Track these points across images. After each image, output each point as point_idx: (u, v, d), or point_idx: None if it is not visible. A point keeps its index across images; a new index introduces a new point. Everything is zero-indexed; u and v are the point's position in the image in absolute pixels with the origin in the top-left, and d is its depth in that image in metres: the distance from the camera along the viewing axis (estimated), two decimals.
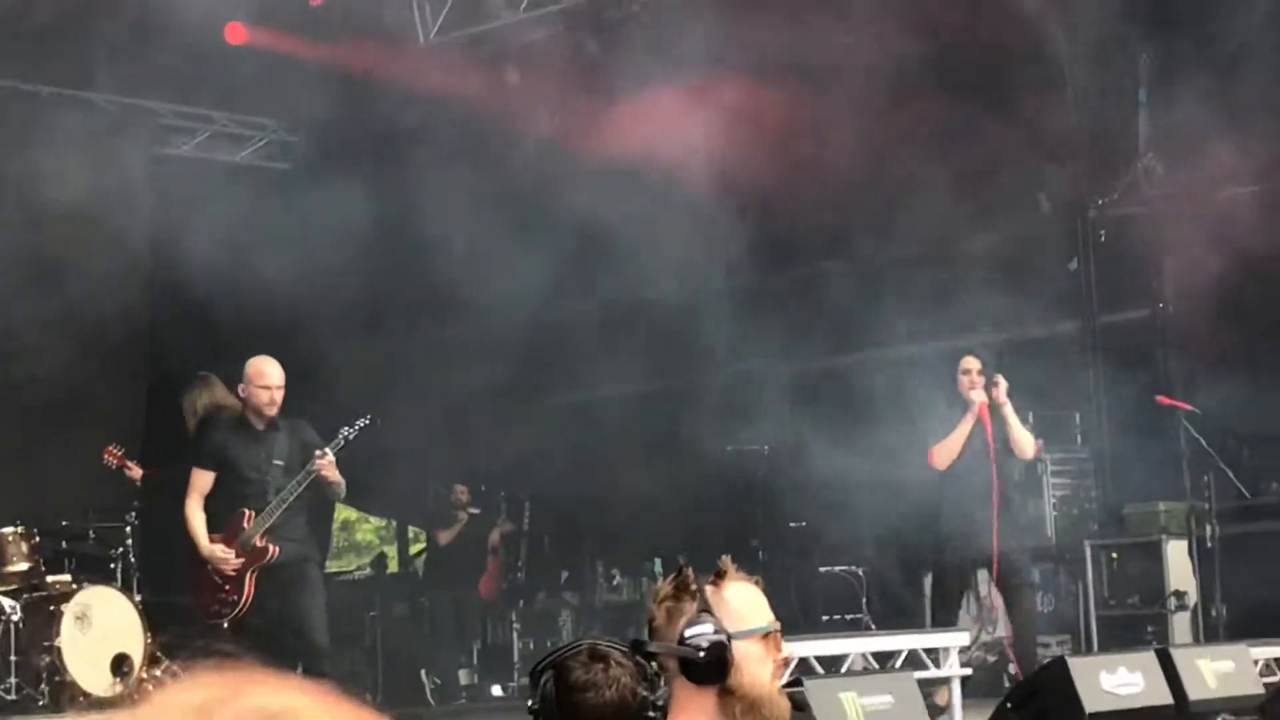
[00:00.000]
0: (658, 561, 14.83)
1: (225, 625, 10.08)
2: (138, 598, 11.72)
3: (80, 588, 11.39)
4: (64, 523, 12.50)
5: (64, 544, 12.29)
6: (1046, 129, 13.44)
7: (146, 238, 14.71)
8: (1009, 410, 11.30)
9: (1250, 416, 12.87)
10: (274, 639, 10.03)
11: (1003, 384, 11.32)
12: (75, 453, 13.72)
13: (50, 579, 11.55)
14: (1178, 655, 9.70)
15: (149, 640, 11.38)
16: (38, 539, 11.69)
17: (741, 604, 4.03)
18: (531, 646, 15.22)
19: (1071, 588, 13.27)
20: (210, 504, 10.21)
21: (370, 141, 15.08)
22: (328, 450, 9.98)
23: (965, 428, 11.28)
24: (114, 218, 14.04)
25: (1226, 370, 12.81)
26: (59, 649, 10.99)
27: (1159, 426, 13.05)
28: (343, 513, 14.70)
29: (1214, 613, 12.20)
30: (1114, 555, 13.00)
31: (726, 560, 4.07)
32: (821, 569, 13.97)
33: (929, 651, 10.39)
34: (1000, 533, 11.06)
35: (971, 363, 11.50)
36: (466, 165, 15.22)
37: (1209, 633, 12.15)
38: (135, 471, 12.77)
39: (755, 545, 14.23)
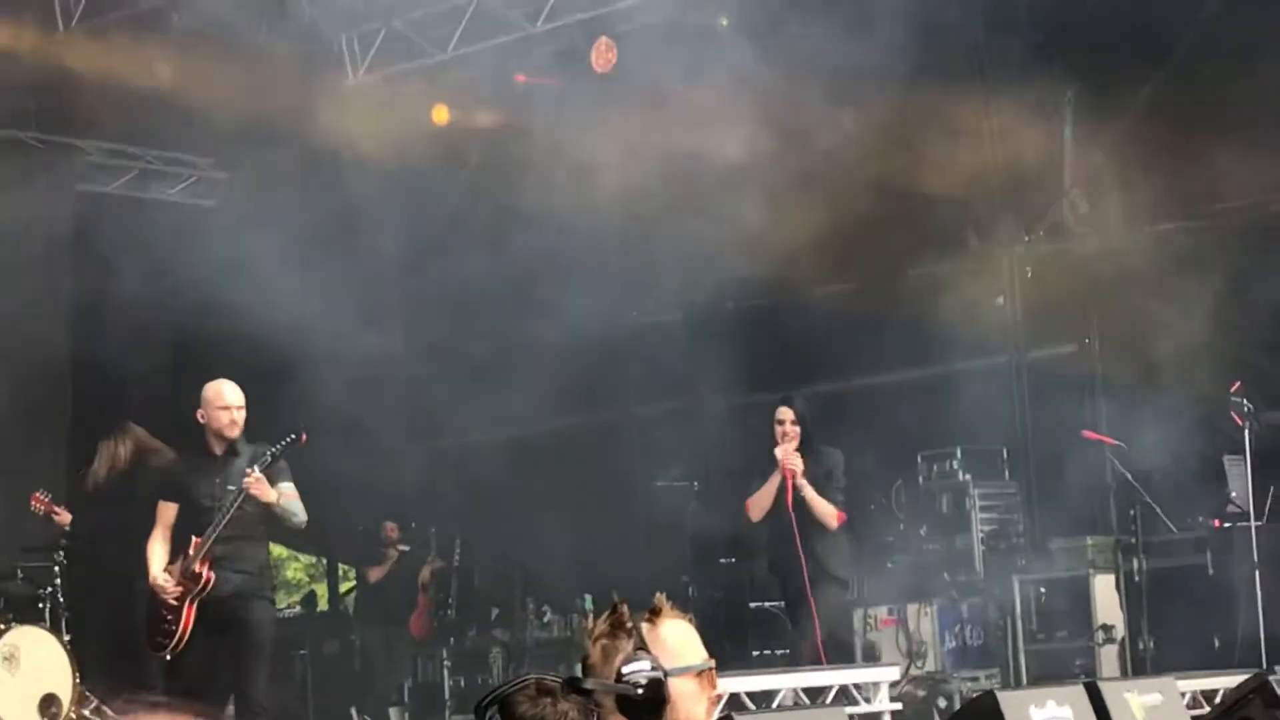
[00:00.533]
0: (588, 598, 14.81)
1: (168, 657, 9.92)
2: (66, 638, 11.62)
3: (8, 628, 11.27)
4: None
5: None
6: (973, 167, 13.53)
7: (71, 276, 14.62)
8: (806, 490, 11.06)
9: (1175, 451, 12.98)
10: (211, 676, 9.89)
11: (798, 466, 11.06)
12: (3, 491, 13.61)
13: None
14: (1106, 688, 9.74)
15: (77, 680, 11.28)
16: None
17: (677, 641, 4.05)
18: (463, 684, 15.17)
19: (1000, 622, 13.33)
20: (174, 535, 10.06)
21: (298, 179, 15.03)
22: (253, 468, 9.84)
23: (773, 484, 11.14)
24: (40, 257, 13.98)
25: (1152, 405, 12.92)
26: None
27: (1085, 461, 13.15)
28: (273, 550, 14.58)
29: (1141, 645, 12.28)
30: (1042, 589, 13.07)
31: (662, 598, 4.09)
32: (752, 604, 14.00)
33: (859, 687, 10.42)
34: (817, 610, 11.00)
35: (785, 413, 11.21)
36: (394, 202, 15.23)
37: (1136, 665, 12.22)
38: (64, 517, 12.68)
39: (685, 581, 14.24)
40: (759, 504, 11.20)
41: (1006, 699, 9.44)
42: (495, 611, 16.06)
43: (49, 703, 11.14)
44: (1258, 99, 12.33)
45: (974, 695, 12.00)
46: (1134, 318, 12.95)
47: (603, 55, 14.07)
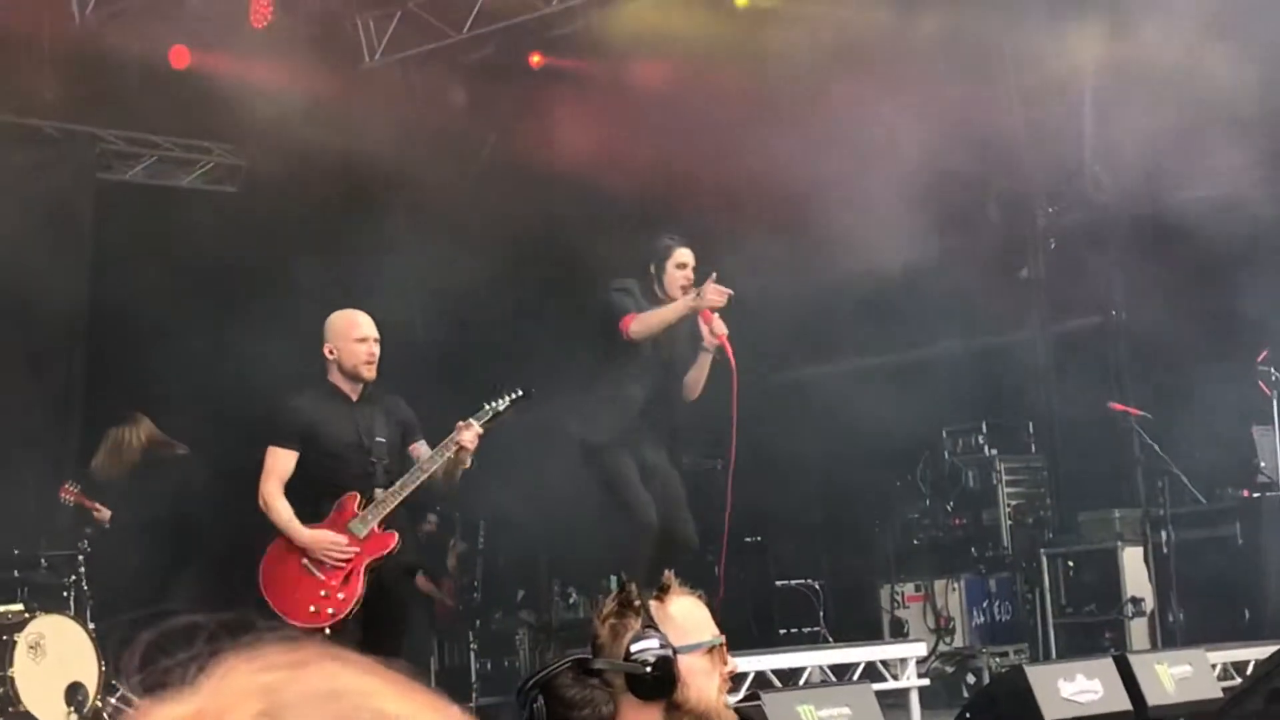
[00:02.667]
0: (613, 579, 14.77)
1: (328, 631, 8.40)
2: (91, 626, 11.62)
3: (33, 616, 11.27)
4: (15, 551, 12.37)
5: (16, 573, 12.12)
6: (994, 138, 13.45)
7: (90, 264, 14.61)
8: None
9: (1203, 421, 12.91)
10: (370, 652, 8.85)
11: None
12: (25, 480, 13.62)
13: (2, 608, 11.42)
14: (1136, 661, 9.72)
15: (103, 668, 11.29)
16: None
17: (686, 619, 4.02)
18: (489, 667, 15.14)
19: (1028, 596, 13.29)
20: (292, 490, 8.64)
21: (319, 165, 14.99)
22: (473, 421, 8.54)
23: (704, 361, 10.12)
24: (57, 245, 13.96)
25: (1179, 376, 12.85)
26: (12, 679, 10.88)
27: (1112, 433, 13.08)
28: None
29: (1171, 618, 12.23)
30: (1070, 563, 13.02)
31: (670, 575, 4.06)
32: (778, 583, 13.96)
33: (886, 663, 10.39)
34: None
35: (688, 256, 10.11)
36: (413, 185, 15.18)
37: (1166, 638, 12.17)
38: (103, 513, 12.65)
39: (710, 560, 14.19)
40: (696, 383, 10.12)
41: (1035, 673, 9.43)
42: (521, 594, 16.03)
43: (75, 691, 11.14)
44: None
45: (1003, 670, 11.99)
46: (1159, 288, 12.85)
47: None
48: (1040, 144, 13.85)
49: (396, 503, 8.57)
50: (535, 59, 15.00)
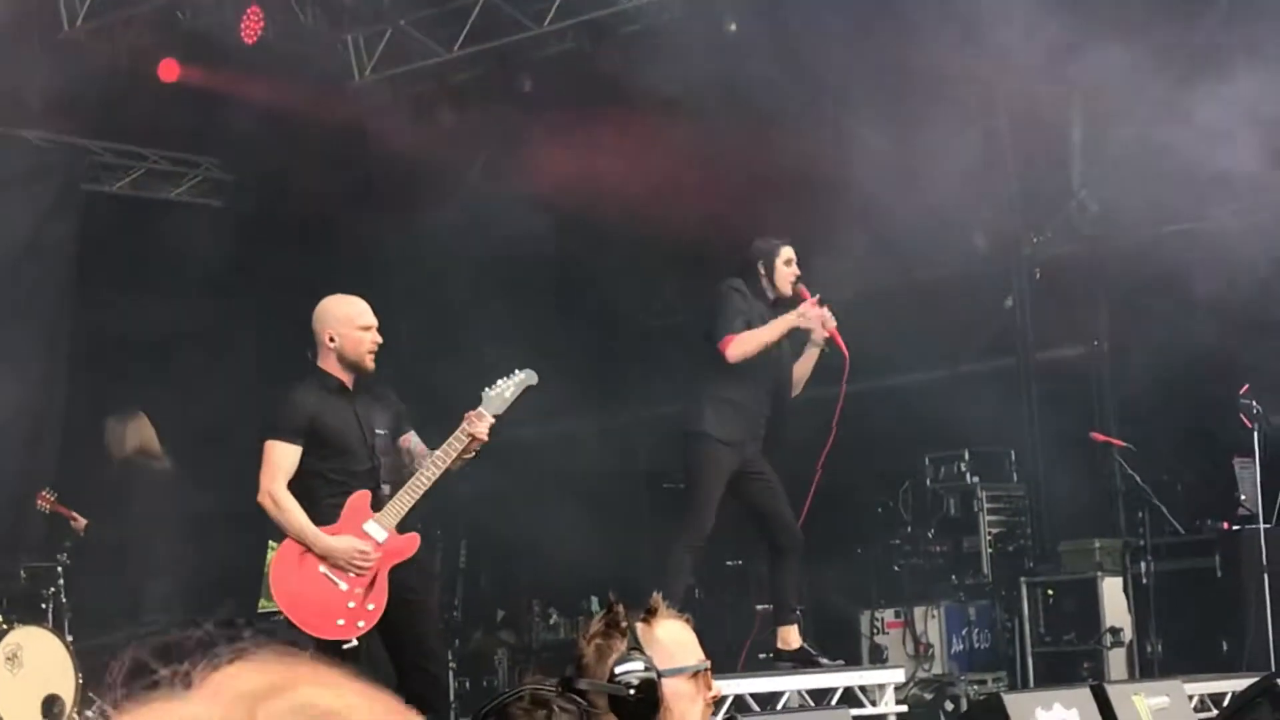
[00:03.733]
0: (594, 600, 14.78)
1: (356, 642, 7.99)
2: (69, 638, 11.59)
3: (11, 628, 11.25)
4: None
5: None
6: (980, 167, 13.47)
7: (76, 275, 14.60)
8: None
9: (1184, 453, 12.95)
10: (393, 659, 8.25)
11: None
12: (3, 491, 13.60)
13: None
14: (1113, 691, 9.72)
15: (80, 681, 11.26)
16: None
17: (672, 642, 4.02)
18: (468, 686, 15.11)
19: (1007, 624, 13.29)
20: (290, 487, 8.04)
21: (304, 180, 14.99)
22: (484, 410, 8.04)
23: (811, 356, 10.44)
24: (41, 256, 13.96)
25: (1160, 407, 12.87)
26: None
27: (1093, 463, 13.11)
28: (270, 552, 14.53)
29: (1149, 649, 12.24)
30: (1049, 592, 13.02)
31: (658, 598, 4.05)
32: (758, 606, 13.94)
33: (865, 689, 10.39)
34: None
35: (791, 252, 10.41)
36: (400, 203, 15.21)
37: (1144, 668, 12.18)
38: (79, 522, 12.60)
39: (691, 583, 14.19)
40: (801, 376, 10.41)
41: (1013, 701, 9.42)
42: (501, 614, 16.02)
43: (51, 703, 11.12)
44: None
45: (981, 698, 11.98)
46: (1143, 319, 12.88)
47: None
48: (1027, 172, 13.88)
49: (414, 501, 8.07)
50: (525, 82, 14.98)
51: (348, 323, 8.15)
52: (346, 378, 8.14)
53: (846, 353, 10.35)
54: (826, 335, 10.28)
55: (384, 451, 8.17)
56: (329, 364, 8.16)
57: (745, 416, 10.17)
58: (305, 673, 1.59)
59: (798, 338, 10.36)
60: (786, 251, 10.36)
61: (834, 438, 10.48)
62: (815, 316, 10.14)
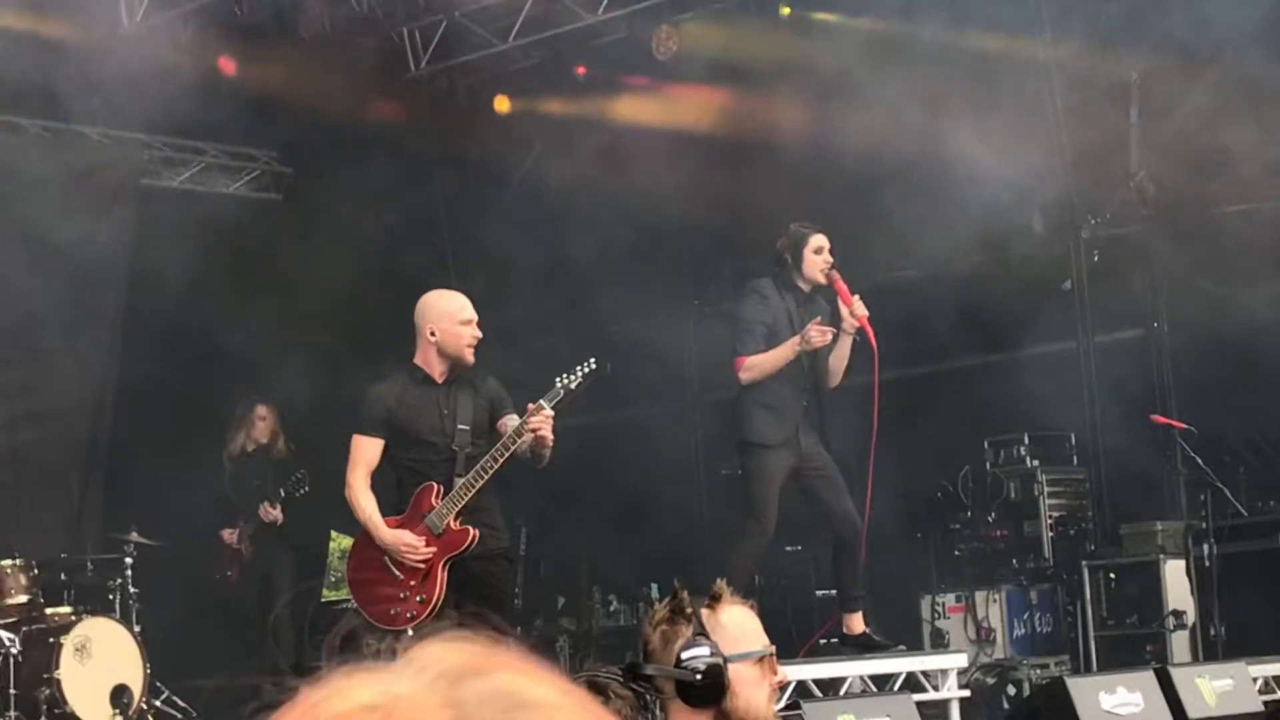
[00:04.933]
0: (654, 587, 14.81)
1: (410, 632, 7.34)
2: (136, 628, 11.70)
3: (79, 619, 11.35)
4: (63, 554, 12.48)
5: (63, 575, 12.24)
6: (1037, 149, 13.44)
7: (135, 269, 14.70)
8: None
9: (1245, 434, 12.89)
10: None
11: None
12: (69, 483, 13.73)
13: (49, 611, 11.52)
14: (1177, 674, 9.71)
15: (148, 671, 11.36)
16: (36, 571, 11.64)
17: (737, 627, 4.04)
18: None
19: (1069, 608, 13.26)
20: (376, 478, 8.35)
21: (364, 173, 15.06)
22: (544, 404, 8.08)
23: (846, 344, 10.31)
24: (101, 250, 14.05)
25: (1221, 388, 12.82)
26: (58, 681, 10.95)
27: (1154, 445, 13.06)
28: (341, 542, 14.65)
29: (1212, 631, 12.19)
30: (1111, 575, 12.98)
31: (722, 584, 4.08)
32: (819, 592, 13.96)
33: (927, 674, 10.39)
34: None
35: (824, 240, 10.29)
36: (455, 192, 15.27)
37: (1208, 651, 12.14)
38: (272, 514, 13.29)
39: (752, 569, 14.21)
40: (838, 367, 10.28)
41: (1076, 685, 9.42)
42: (562, 601, 16.08)
43: (120, 693, 11.22)
44: None
45: (1044, 682, 11.96)
46: (1202, 301, 12.83)
47: (663, 43, 14.05)
48: (1085, 155, 13.83)
49: (472, 494, 8.20)
50: (580, 68, 15.03)
51: (450, 317, 8.32)
52: (440, 370, 8.32)
53: (875, 345, 10.24)
54: (857, 325, 10.20)
55: (464, 445, 8.28)
56: (426, 356, 8.35)
57: (784, 415, 10.16)
58: (507, 659, 1.62)
59: (828, 320, 10.26)
60: (816, 240, 10.22)
61: (877, 430, 10.40)
62: (817, 338, 9.97)
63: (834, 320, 10.26)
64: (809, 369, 10.29)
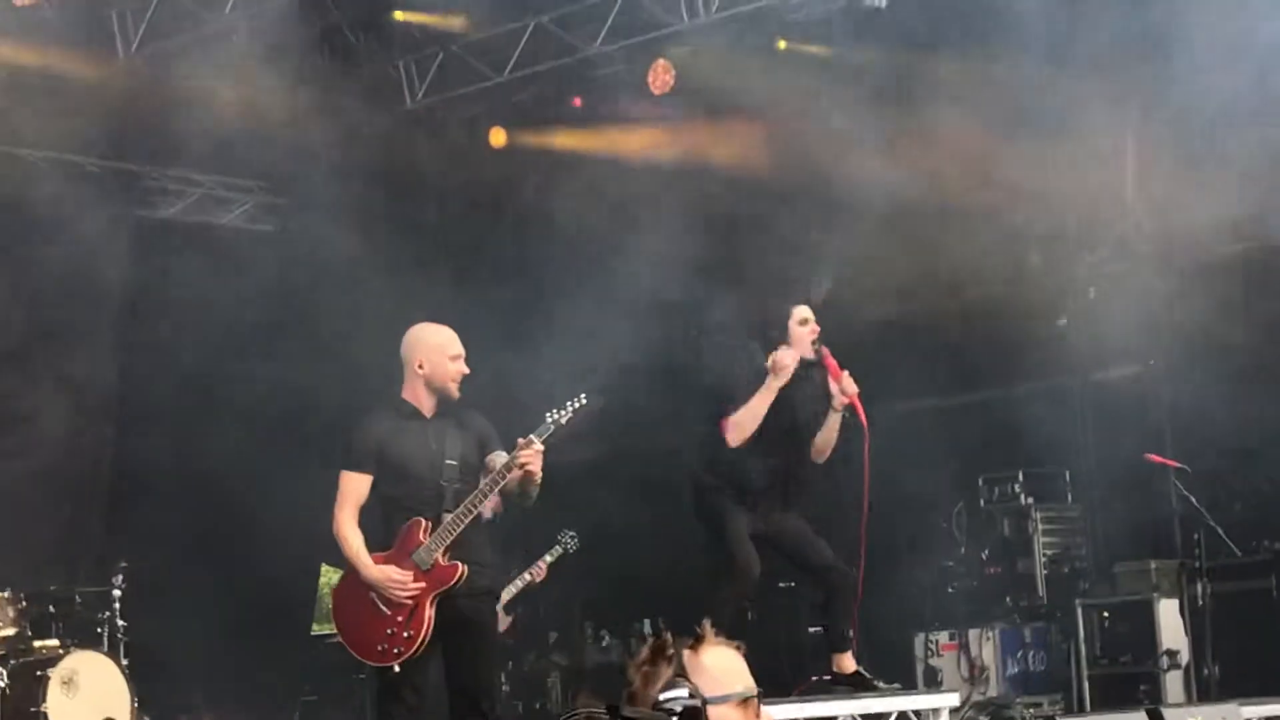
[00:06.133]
0: (646, 623, 14.76)
1: (397, 669, 8.18)
2: (124, 661, 11.64)
3: (67, 652, 11.31)
4: (51, 587, 12.42)
5: (51, 608, 12.17)
6: (1035, 184, 13.43)
7: (129, 300, 14.70)
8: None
9: (1240, 474, 12.85)
10: (453, 683, 8.31)
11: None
12: (61, 516, 13.70)
13: (37, 644, 11.47)
14: (1170, 714, 9.63)
15: (135, 705, 11.31)
16: (24, 603, 11.59)
17: (719, 669, 3.99)
18: (520, 709, 15.11)
19: (1063, 646, 13.21)
20: (366, 513, 8.32)
21: (359, 204, 15.05)
22: (534, 438, 8.06)
23: (833, 423, 10.11)
24: (95, 281, 14.05)
25: (1216, 427, 12.79)
26: (46, 714, 10.89)
27: (1149, 484, 13.02)
28: (331, 575, 14.60)
29: (1206, 671, 12.15)
30: (1105, 614, 12.94)
31: (706, 625, 4.03)
32: (811, 629, 13.90)
33: (919, 713, 10.35)
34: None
35: (807, 311, 10.09)
36: (450, 224, 15.28)
37: (1201, 691, 12.10)
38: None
39: (745, 606, 14.15)
40: (825, 444, 10.10)
41: None
42: (554, 635, 16.02)
43: None
44: None
45: None
46: (1198, 339, 12.81)
47: (660, 77, 14.06)
48: (1081, 191, 13.82)
49: (460, 529, 8.17)
50: (576, 100, 15.05)
51: (438, 350, 8.35)
52: (428, 405, 8.33)
53: (866, 423, 10.04)
54: (846, 402, 10.05)
55: (453, 480, 8.25)
56: (413, 390, 8.36)
57: (761, 483, 10.07)
58: None
59: (816, 407, 10.16)
60: (800, 312, 10.03)
61: (867, 507, 10.23)
62: (785, 366, 9.82)
63: (824, 397, 10.08)
64: (781, 441, 10.11)
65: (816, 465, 10.26)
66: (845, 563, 10.24)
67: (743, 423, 9.88)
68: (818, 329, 10.00)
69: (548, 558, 13.14)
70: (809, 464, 10.23)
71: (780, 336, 9.97)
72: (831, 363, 9.97)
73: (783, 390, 9.91)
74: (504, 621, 12.52)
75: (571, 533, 11.56)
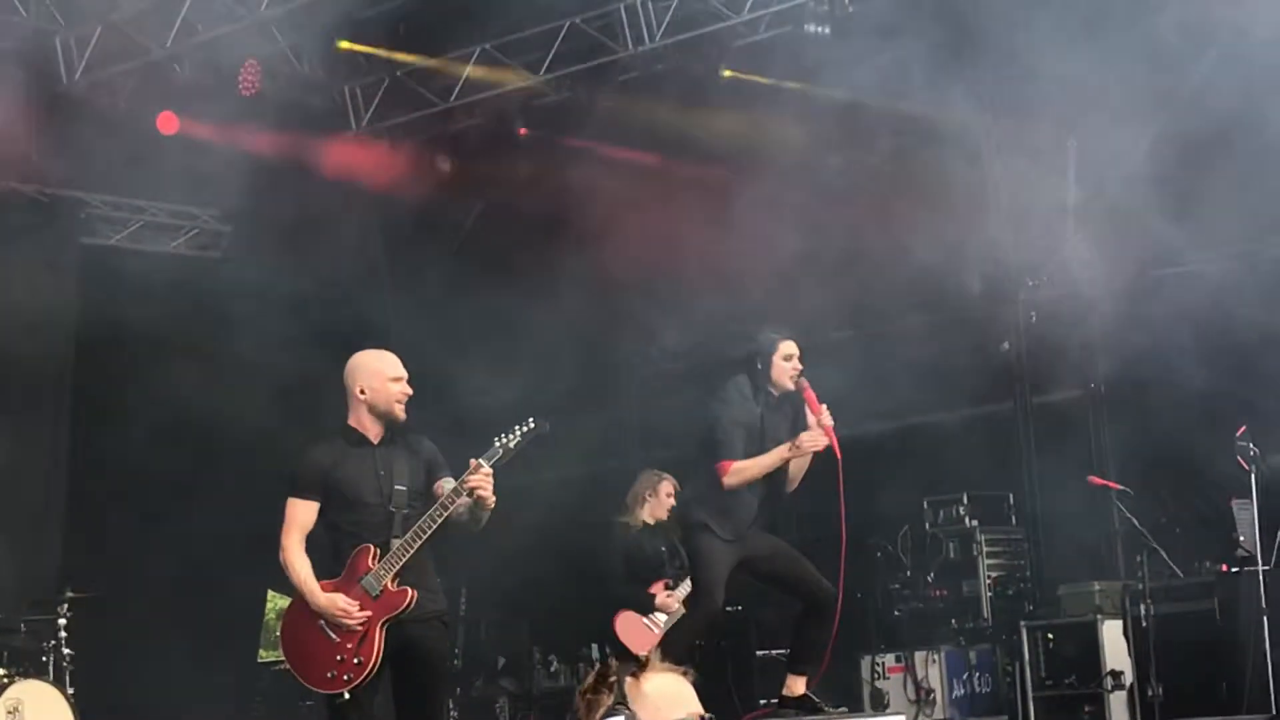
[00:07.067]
0: (594, 648, 14.76)
1: (347, 696, 8.03)
2: (70, 691, 11.59)
3: (12, 681, 11.26)
4: None
5: None
6: (976, 211, 13.52)
7: (74, 329, 14.65)
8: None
9: (1181, 496, 12.94)
10: (403, 709, 8.20)
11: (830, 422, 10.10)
12: (2, 544, 13.61)
13: None
14: None
15: None
16: None
17: (660, 697, 4.00)
18: None
19: (1008, 668, 13.27)
20: (312, 541, 8.19)
21: (304, 230, 15.05)
22: (483, 461, 7.99)
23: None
24: (43, 309, 14.01)
25: (1157, 449, 12.88)
26: None
27: (1092, 506, 13.11)
28: (278, 602, 14.57)
29: (1150, 692, 12.20)
30: (1050, 635, 13.00)
31: (650, 652, 4.06)
32: (758, 653, 13.95)
33: None
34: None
35: (793, 348, 10.14)
36: (396, 251, 15.29)
37: (1145, 712, 12.14)
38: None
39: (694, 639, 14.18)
40: (797, 474, 10.15)
41: None
42: (502, 661, 16.02)
43: None
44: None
45: None
46: (1139, 362, 12.91)
47: (603, 104, 14.14)
48: (1022, 217, 13.92)
49: (409, 555, 8.06)
50: (521, 129, 15.06)
51: (378, 375, 8.26)
52: (375, 431, 8.25)
53: (840, 456, 10.05)
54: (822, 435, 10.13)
55: (401, 506, 8.17)
56: (359, 416, 8.27)
57: (737, 517, 10.14)
58: None
59: (792, 438, 10.22)
60: (786, 346, 10.10)
61: (845, 537, 10.25)
62: (809, 444, 9.94)
63: (800, 427, 10.17)
64: (770, 477, 10.18)
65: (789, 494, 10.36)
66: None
67: (746, 472, 10.01)
68: (800, 365, 10.11)
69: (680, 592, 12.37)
70: (783, 495, 10.33)
71: (765, 370, 10.07)
72: (811, 396, 10.08)
73: (765, 419, 10.04)
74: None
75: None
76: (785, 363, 10.10)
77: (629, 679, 4.00)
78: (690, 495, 10.42)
